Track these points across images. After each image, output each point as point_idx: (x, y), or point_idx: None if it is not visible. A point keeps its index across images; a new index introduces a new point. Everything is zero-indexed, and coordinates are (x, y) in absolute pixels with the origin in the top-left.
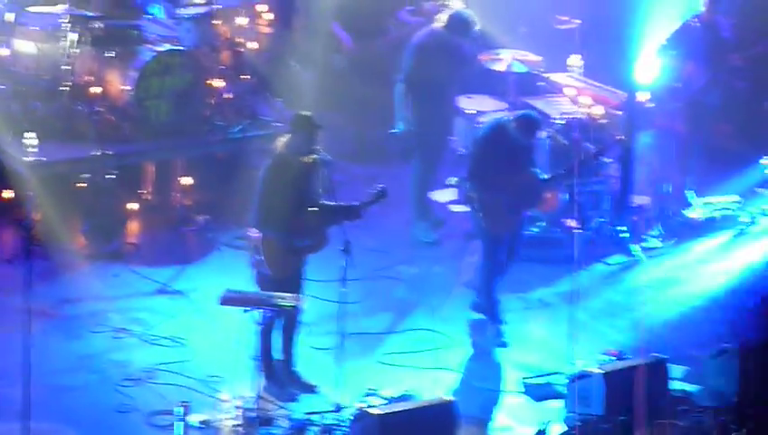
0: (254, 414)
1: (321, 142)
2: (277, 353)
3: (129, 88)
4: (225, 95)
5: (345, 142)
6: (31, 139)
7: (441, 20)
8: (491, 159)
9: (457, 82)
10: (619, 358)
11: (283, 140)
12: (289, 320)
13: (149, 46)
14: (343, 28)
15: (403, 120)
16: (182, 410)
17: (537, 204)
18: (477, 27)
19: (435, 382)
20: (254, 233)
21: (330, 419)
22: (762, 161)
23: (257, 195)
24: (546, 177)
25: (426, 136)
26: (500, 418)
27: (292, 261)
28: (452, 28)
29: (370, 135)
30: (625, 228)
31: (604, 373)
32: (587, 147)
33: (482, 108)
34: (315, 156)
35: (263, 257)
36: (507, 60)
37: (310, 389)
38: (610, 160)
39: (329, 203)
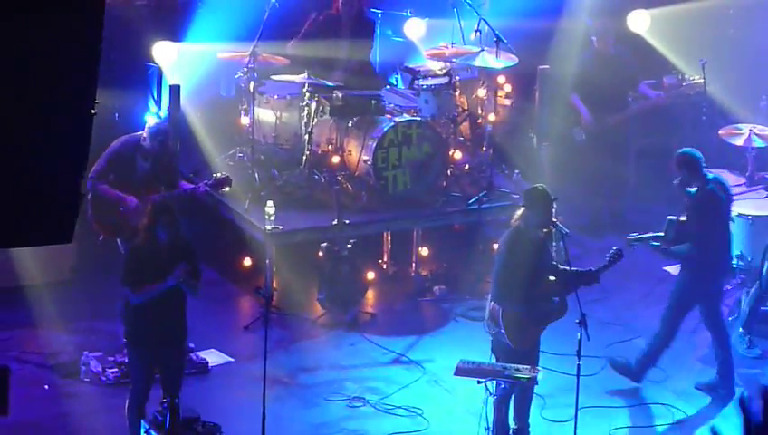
0: None
1: (559, 215)
2: (511, 424)
3: (367, 158)
4: (463, 167)
5: (581, 216)
6: (270, 207)
7: None
8: None
9: None
10: None
11: (519, 214)
12: (523, 391)
13: (388, 117)
14: (582, 101)
15: None
16: None
17: None
18: None
19: None
20: (494, 306)
21: None
22: None
23: (496, 269)
24: None
25: None
26: None
27: (533, 332)
28: None
29: (607, 209)
30: None
31: None
32: None
33: None
34: (552, 228)
35: (503, 331)
36: (746, 134)
37: None
38: None
39: (566, 268)
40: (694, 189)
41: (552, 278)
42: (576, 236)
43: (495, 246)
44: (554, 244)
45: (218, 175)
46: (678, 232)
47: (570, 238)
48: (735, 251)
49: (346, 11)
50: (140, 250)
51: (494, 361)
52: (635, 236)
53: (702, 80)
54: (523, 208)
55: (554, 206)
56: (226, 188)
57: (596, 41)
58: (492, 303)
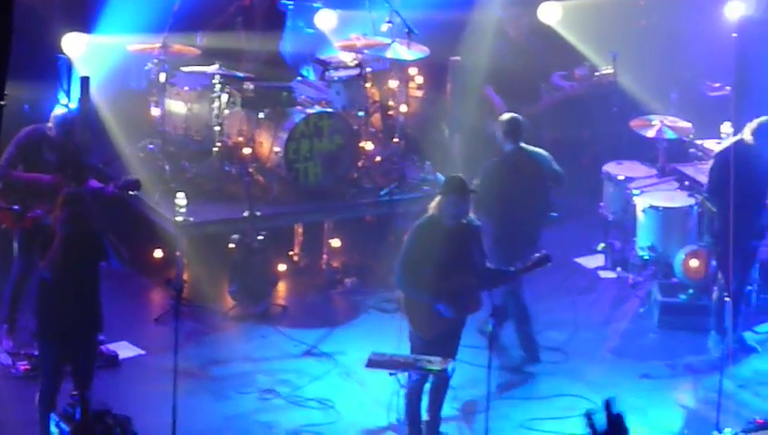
0: None
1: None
2: (423, 416)
3: (278, 149)
4: (375, 158)
5: None
6: (181, 199)
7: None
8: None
9: None
10: (766, 427)
11: (435, 202)
12: (436, 383)
13: (300, 108)
14: (495, 91)
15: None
16: None
17: None
18: None
19: None
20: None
21: None
22: None
23: (403, 255)
24: None
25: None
26: None
27: (438, 323)
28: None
29: None
30: None
31: None
32: None
33: (631, 174)
34: (467, 221)
35: (406, 317)
36: (658, 126)
37: None
38: None
39: (485, 267)
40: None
41: (467, 274)
42: (487, 228)
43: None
44: (473, 237)
45: (128, 177)
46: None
47: (482, 231)
48: (647, 242)
49: (258, 2)
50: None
51: (409, 352)
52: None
53: (613, 71)
54: (439, 197)
55: (469, 197)
56: (134, 192)
57: (510, 29)
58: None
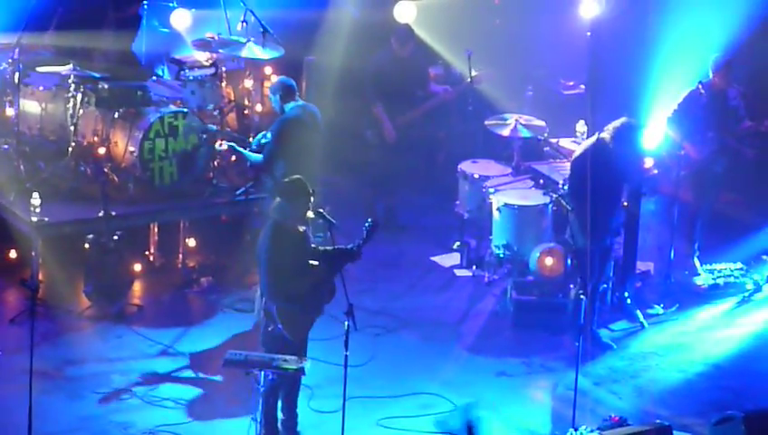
0: None
1: (326, 205)
2: (278, 415)
3: (133, 149)
4: (230, 158)
5: (351, 206)
6: (36, 199)
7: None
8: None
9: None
10: (622, 424)
11: (274, 206)
12: (291, 382)
13: (154, 108)
14: (377, 99)
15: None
16: None
17: None
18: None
19: None
20: (268, 303)
21: None
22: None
23: (264, 268)
24: None
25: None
26: None
27: (308, 322)
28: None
29: (381, 202)
30: (629, 294)
31: None
32: None
33: (486, 172)
34: (315, 218)
35: (281, 326)
36: (512, 124)
37: None
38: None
39: (327, 249)
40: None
41: (314, 263)
42: (346, 228)
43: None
44: (321, 234)
45: None
46: None
47: (337, 228)
48: (502, 241)
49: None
50: None
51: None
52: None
53: (474, 72)
54: (278, 201)
55: (312, 197)
56: None
57: (396, 45)
58: (264, 299)
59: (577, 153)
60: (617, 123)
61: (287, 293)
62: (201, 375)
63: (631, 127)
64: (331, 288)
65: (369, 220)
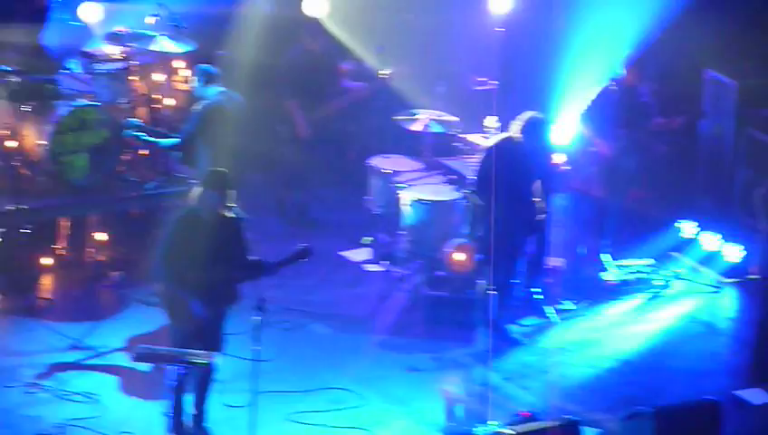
0: None
1: (240, 200)
2: (189, 410)
3: (44, 143)
4: (141, 152)
5: (264, 203)
6: None
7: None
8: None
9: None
10: (532, 420)
11: (196, 193)
12: (201, 376)
13: (65, 101)
14: (290, 96)
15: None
16: None
17: None
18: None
19: None
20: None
21: None
22: (677, 225)
23: (162, 246)
24: None
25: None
26: None
27: (194, 316)
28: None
29: (290, 198)
30: (539, 290)
31: None
32: None
33: (397, 168)
34: (229, 213)
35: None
36: (424, 120)
37: None
38: None
39: (247, 260)
40: None
41: (224, 266)
42: (256, 222)
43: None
44: (235, 231)
45: None
46: None
47: (248, 223)
48: (412, 236)
49: None
50: None
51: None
52: None
53: (386, 69)
54: (201, 189)
55: (231, 191)
56: None
57: (307, 41)
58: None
59: (485, 148)
60: (524, 118)
61: (172, 276)
62: (112, 369)
63: (538, 121)
64: (234, 295)
65: (305, 245)
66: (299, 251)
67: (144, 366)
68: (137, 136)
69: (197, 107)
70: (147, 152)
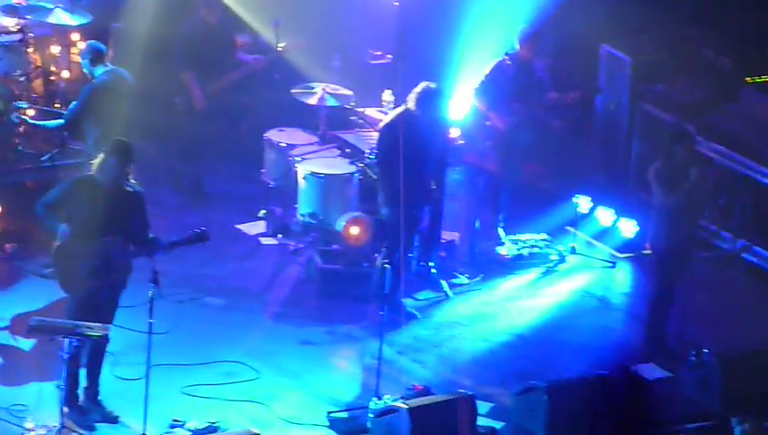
0: None
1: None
2: (82, 383)
3: None
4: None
5: (159, 174)
6: None
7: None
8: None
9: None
10: (425, 393)
11: (98, 162)
12: (94, 349)
13: None
14: (187, 68)
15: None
16: None
17: None
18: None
19: (241, 415)
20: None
21: None
22: (574, 199)
23: (53, 194)
24: None
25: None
26: None
27: (85, 284)
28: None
29: (185, 170)
30: (433, 264)
31: (409, 408)
32: None
33: (293, 141)
34: (131, 187)
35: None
36: (319, 93)
37: (113, 419)
38: None
39: (144, 234)
40: None
41: (120, 238)
42: (150, 194)
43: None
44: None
45: None
46: None
47: (146, 196)
48: (308, 209)
49: None
50: None
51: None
52: None
53: (282, 42)
54: (103, 157)
55: (132, 161)
56: None
57: (203, 12)
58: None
59: (384, 123)
60: (418, 89)
61: (54, 217)
62: (6, 341)
63: (432, 91)
64: (126, 267)
65: (203, 229)
66: (197, 234)
67: (38, 338)
68: (23, 119)
69: (84, 90)
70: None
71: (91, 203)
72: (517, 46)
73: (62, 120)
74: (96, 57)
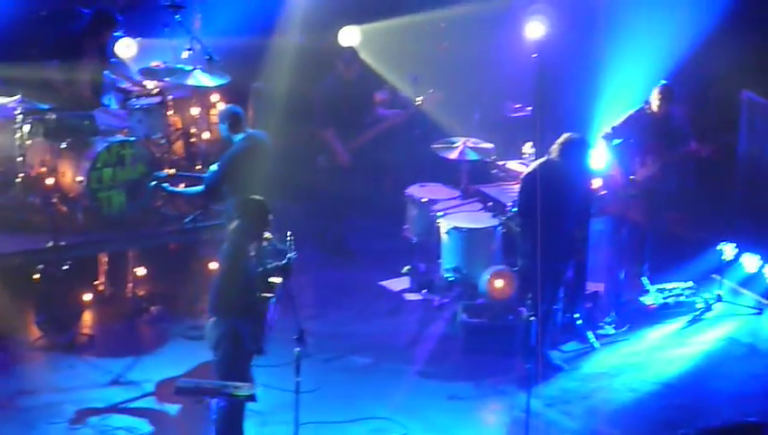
0: None
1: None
2: None
3: (81, 179)
4: (177, 186)
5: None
6: None
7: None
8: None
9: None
10: None
11: (233, 226)
12: (236, 408)
13: (102, 137)
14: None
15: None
16: None
17: None
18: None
19: None
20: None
21: None
22: (717, 247)
23: (217, 281)
24: None
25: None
26: None
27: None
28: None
29: (330, 227)
30: (579, 315)
31: None
32: None
33: (435, 196)
34: (266, 242)
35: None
36: (460, 147)
37: None
38: None
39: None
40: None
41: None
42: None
43: (212, 265)
44: (271, 259)
45: None
46: None
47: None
48: (451, 264)
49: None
50: None
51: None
52: None
53: (421, 96)
54: (237, 220)
55: (269, 219)
56: None
57: (342, 69)
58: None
59: (526, 172)
60: (561, 140)
61: (239, 308)
62: (153, 404)
63: (576, 141)
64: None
65: (290, 255)
66: (286, 263)
67: (186, 400)
68: (162, 188)
69: (223, 157)
70: (183, 186)
71: (244, 266)
72: (655, 95)
73: (201, 187)
74: (234, 122)
